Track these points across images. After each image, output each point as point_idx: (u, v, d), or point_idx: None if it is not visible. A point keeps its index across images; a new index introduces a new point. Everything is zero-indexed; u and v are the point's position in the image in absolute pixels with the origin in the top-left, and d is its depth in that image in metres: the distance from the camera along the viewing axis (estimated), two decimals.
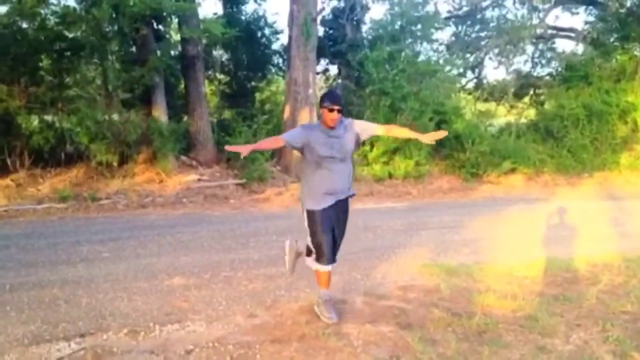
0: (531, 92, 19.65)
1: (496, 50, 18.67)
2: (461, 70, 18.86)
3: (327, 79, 18.16)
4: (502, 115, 19.01)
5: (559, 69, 18.59)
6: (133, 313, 4.80)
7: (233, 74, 17.12)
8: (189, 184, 11.91)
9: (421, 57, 15.85)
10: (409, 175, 13.72)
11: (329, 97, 4.36)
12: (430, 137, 4.36)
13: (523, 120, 17.99)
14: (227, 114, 16.56)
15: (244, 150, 4.07)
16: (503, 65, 18.98)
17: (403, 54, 14.80)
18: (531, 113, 18.68)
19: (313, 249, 4.55)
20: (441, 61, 17.01)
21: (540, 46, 19.23)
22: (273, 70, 17.98)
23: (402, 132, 4.79)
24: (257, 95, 17.59)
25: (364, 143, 14.10)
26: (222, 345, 4.13)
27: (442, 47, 18.92)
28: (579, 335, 4.40)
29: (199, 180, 12.26)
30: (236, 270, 6.18)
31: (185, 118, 14.22)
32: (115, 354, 3.98)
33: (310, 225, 4.47)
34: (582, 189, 13.72)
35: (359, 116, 14.75)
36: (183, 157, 13.26)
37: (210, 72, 16.64)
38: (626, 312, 4.91)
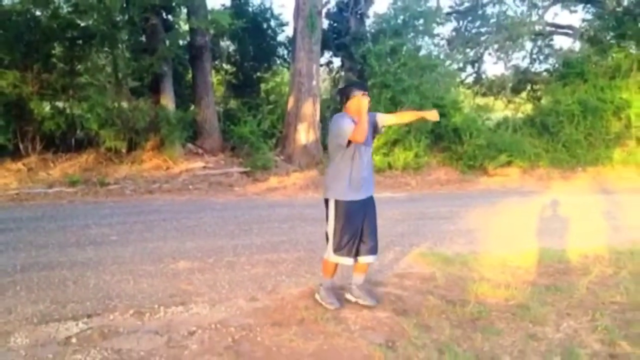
0: (528, 87, 19.59)
1: (495, 46, 18.61)
2: (461, 65, 18.81)
3: (331, 71, 18.08)
4: (500, 110, 18.93)
5: (556, 66, 18.52)
6: (139, 295, 4.81)
7: (239, 65, 17.06)
8: (195, 171, 11.91)
9: (422, 52, 15.77)
10: (408, 167, 13.69)
11: (358, 85, 4.37)
12: (432, 115, 4.39)
13: (520, 115, 17.92)
14: (232, 103, 16.51)
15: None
16: (502, 60, 18.97)
17: (405, 48, 14.72)
18: (528, 108, 18.62)
19: (332, 240, 4.41)
20: (442, 56, 16.93)
21: (539, 43, 19.16)
22: (278, 62, 17.92)
23: (409, 116, 4.76)
24: (263, 85, 17.53)
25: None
26: (224, 327, 4.15)
27: (442, 42, 18.88)
28: (569, 324, 4.41)
29: (205, 167, 12.26)
30: (239, 255, 6.20)
31: (193, 107, 14.19)
32: (121, 334, 4.00)
33: (337, 215, 4.35)
34: (576, 182, 13.70)
35: None
36: (189, 145, 13.25)
37: (217, 62, 16.59)
38: (615, 303, 4.91)
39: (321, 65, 16.00)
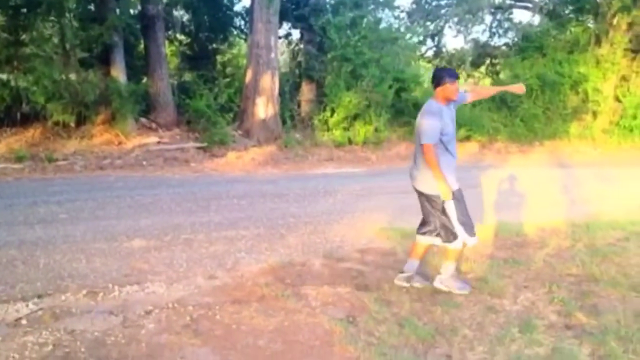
0: (488, 61, 19.84)
1: (455, 19, 18.73)
2: (421, 38, 18.89)
3: (290, 43, 17.88)
4: (460, 84, 19.10)
5: (516, 40, 18.79)
6: (92, 274, 4.73)
7: (194, 35, 16.69)
8: (149, 147, 11.68)
9: (383, 24, 15.77)
10: (369, 141, 13.77)
11: (449, 72, 4.44)
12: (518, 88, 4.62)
13: None
14: (187, 76, 16.19)
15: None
16: (462, 34, 19.11)
17: (365, 20, 14.69)
18: (487, 82, 18.87)
19: (462, 227, 4.38)
20: (402, 29, 16.97)
21: (498, 16, 19.34)
22: (235, 33, 17.60)
23: (493, 90, 4.77)
24: (219, 57, 17.22)
25: (324, 109, 14.07)
26: (182, 306, 4.12)
27: (403, 15, 18.87)
28: (526, 296, 4.56)
29: (159, 142, 12.04)
30: (197, 232, 6.14)
31: (145, 79, 13.86)
32: (74, 314, 3.93)
33: (457, 204, 4.35)
34: (533, 157, 14.05)
35: (320, 82, 14.67)
36: (142, 119, 12.97)
37: (170, 33, 16.17)
38: (571, 275, 5.09)
39: (280, 37, 15.82)
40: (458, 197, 4.39)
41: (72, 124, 11.56)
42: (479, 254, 5.59)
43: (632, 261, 5.47)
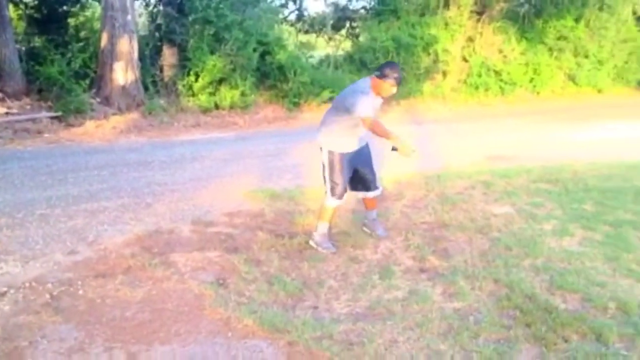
0: (347, 25, 20.20)
1: None
2: (283, 1, 18.76)
3: (147, 5, 16.88)
4: (322, 47, 19.37)
5: (372, 3, 19.28)
6: None
7: None
8: None
9: None
10: (235, 106, 13.56)
11: (399, 75, 4.42)
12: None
13: (340, 52, 18.50)
14: (37, 41, 14.70)
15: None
16: None
17: None
18: (347, 45, 19.25)
19: (329, 184, 4.67)
20: None
21: None
22: None
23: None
24: (71, 21, 15.83)
25: (188, 73, 13.56)
26: (40, 284, 3.87)
27: None
28: (385, 245, 4.83)
29: (7, 114, 10.94)
30: (53, 207, 5.73)
31: None
32: None
33: (331, 164, 4.65)
34: (391, 115, 14.64)
35: (183, 45, 14.10)
36: None
37: None
38: (425, 222, 5.47)
39: None
40: (346, 160, 4.66)
41: None
42: (342, 209, 5.77)
43: (477, 207, 5.98)
